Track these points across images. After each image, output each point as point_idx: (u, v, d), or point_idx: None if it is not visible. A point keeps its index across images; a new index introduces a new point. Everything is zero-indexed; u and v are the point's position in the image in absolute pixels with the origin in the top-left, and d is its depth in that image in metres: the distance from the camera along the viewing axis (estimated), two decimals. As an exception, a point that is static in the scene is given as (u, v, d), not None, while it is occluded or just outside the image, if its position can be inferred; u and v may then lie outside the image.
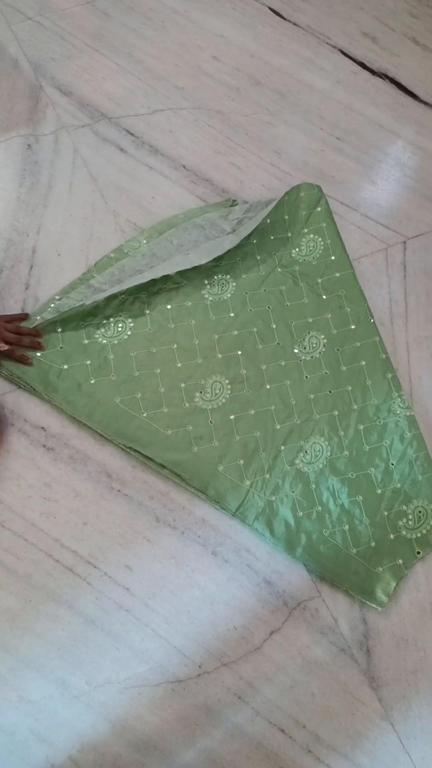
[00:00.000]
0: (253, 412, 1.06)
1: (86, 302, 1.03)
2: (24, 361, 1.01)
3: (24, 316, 1.05)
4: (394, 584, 0.98)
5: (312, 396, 1.08)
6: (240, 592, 0.96)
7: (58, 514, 0.96)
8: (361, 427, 1.07)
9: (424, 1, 1.63)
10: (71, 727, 0.86)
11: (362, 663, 0.95)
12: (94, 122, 1.27)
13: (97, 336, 1.06)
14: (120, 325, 1.07)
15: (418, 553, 1.00)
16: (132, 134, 1.28)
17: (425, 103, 1.47)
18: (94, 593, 0.93)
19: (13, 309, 1.07)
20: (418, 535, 1.01)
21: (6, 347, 0.98)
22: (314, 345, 1.12)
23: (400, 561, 0.99)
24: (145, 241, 1.16)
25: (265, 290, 1.15)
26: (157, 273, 1.07)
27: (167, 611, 0.93)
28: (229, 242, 1.13)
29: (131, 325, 1.08)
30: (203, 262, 1.09)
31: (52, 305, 1.07)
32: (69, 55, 1.34)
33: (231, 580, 0.97)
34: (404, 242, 1.28)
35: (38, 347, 1.02)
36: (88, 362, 1.04)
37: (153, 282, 1.09)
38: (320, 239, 1.19)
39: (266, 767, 0.88)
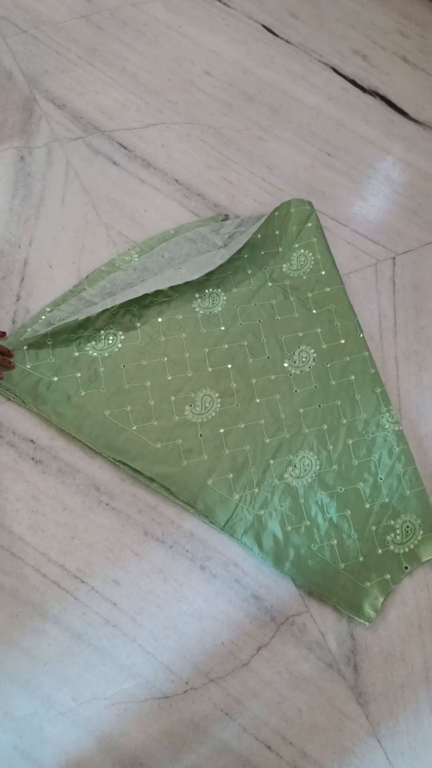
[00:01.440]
0: (242, 425, 1.06)
1: (79, 317, 1.04)
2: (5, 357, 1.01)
3: (1, 334, 1.05)
4: (381, 599, 0.98)
5: (301, 410, 1.09)
6: (228, 607, 0.96)
7: (46, 527, 0.96)
8: (350, 441, 1.08)
9: (414, 20, 1.66)
10: (57, 743, 0.85)
11: (350, 678, 0.95)
12: (87, 135, 1.28)
13: (87, 348, 1.06)
14: (110, 337, 1.08)
15: (406, 568, 1.01)
16: (125, 147, 1.29)
17: (415, 120, 1.49)
18: (81, 608, 0.92)
19: (4, 320, 1.07)
20: (406, 550, 1.02)
21: None
22: (304, 359, 1.12)
23: (388, 576, 1.00)
24: (136, 256, 1.16)
25: (255, 304, 1.15)
26: (149, 288, 1.07)
27: (155, 626, 0.93)
28: (220, 257, 1.14)
29: (122, 337, 1.08)
30: (195, 277, 1.09)
31: (43, 317, 1.07)
32: (63, 69, 1.35)
33: (219, 595, 0.96)
34: (394, 258, 1.29)
35: (8, 366, 1.02)
36: (78, 374, 1.04)
37: (144, 295, 1.09)
38: (311, 254, 1.20)
39: (253, 784, 0.87)
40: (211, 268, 1.11)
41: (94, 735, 0.86)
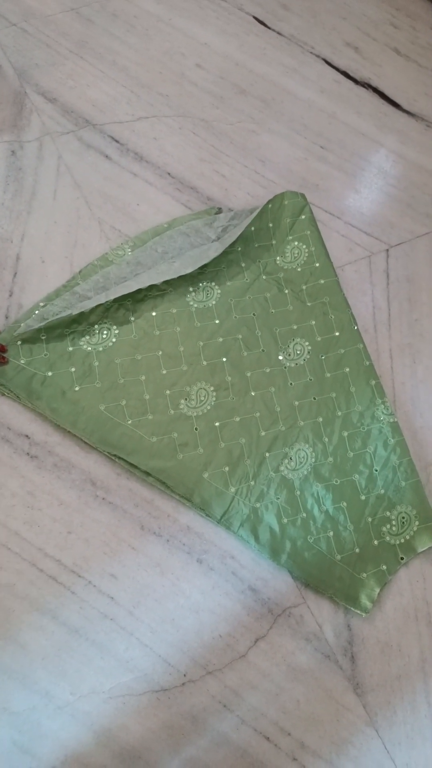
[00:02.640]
0: (238, 419, 1.06)
1: (73, 311, 1.03)
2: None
3: None
4: (378, 590, 0.98)
5: (297, 403, 1.09)
6: (225, 600, 0.96)
7: (42, 522, 0.96)
8: (345, 433, 1.08)
9: (405, 11, 1.65)
10: (55, 738, 0.85)
11: (347, 669, 0.95)
12: (79, 129, 1.27)
13: (81, 343, 1.05)
14: (105, 332, 1.07)
15: (402, 558, 1.01)
16: (116, 141, 1.28)
17: (407, 112, 1.49)
18: (78, 602, 0.92)
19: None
20: (402, 540, 1.02)
21: None
22: (299, 352, 1.12)
23: (384, 567, 1.00)
24: (129, 250, 1.16)
25: (249, 297, 1.15)
26: (142, 283, 1.07)
27: (152, 620, 0.93)
28: (213, 250, 1.13)
29: (116, 332, 1.08)
30: (188, 270, 1.09)
31: (36, 312, 1.07)
32: (53, 62, 1.34)
33: (216, 588, 0.96)
34: (387, 250, 1.29)
35: (2, 361, 1.01)
36: (73, 369, 1.03)
37: (138, 289, 1.09)
38: (304, 246, 1.20)
39: (251, 775, 0.88)
40: (205, 261, 1.11)
41: (92, 729, 0.86)
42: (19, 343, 1.03)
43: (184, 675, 0.91)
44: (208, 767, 0.87)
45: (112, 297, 1.05)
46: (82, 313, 1.06)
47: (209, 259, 1.12)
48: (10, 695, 0.86)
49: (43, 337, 1.04)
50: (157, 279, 1.08)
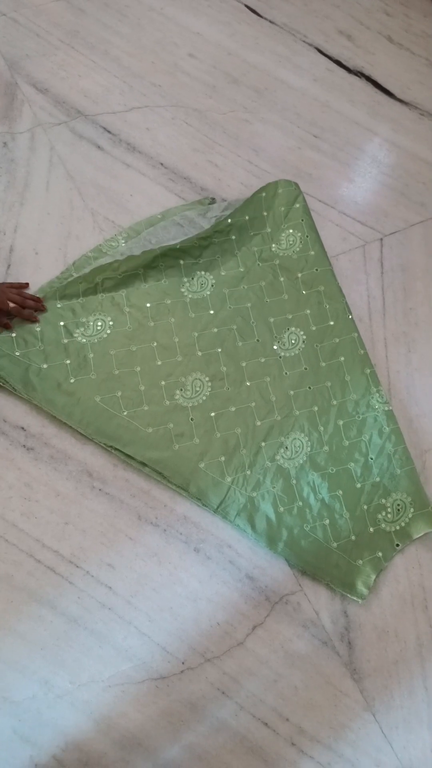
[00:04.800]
0: (233, 409, 1.06)
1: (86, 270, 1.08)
2: (31, 318, 1.03)
3: (26, 285, 1.08)
4: (374, 577, 0.99)
5: (292, 392, 1.09)
6: (222, 588, 0.97)
7: (39, 514, 0.96)
8: (341, 422, 1.08)
9: (399, -1, 1.65)
10: (55, 726, 0.86)
11: (344, 655, 0.96)
12: (71, 120, 1.26)
13: (76, 335, 1.05)
14: (99, 323, 1.07)
15: (398, 545, 1.02)
16: (109, 132, 1.27)
17: (400, 100, 1.49)
18: (76, 592, 0.93)
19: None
20: (397, 528, 1.03)
21: (12, 305, 1.01)
22: (293, 341, 1.13)
23: (380, 554, 1.01)
24: (123, 241, 1.16)
25: (244, 287, 1.15)
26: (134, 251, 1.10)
27: (150, 608, 0.94)
28: (202, 226, 1.16)
29: (110, 323, 1.08)
30: (177, 241, 1.11)
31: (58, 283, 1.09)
32: (44, 52, 1.33)
33: (213, 577, 0.97)
34: (381, 239, 1.29)
35: (42, 309, 1.05)
36: (68, 361, 1.03)
37: (132, 279, 1.09)
38: (299, 234, 1.20)
39: (251, 761, 0.89)
40: (191, 235, 1.13)
41: (92, 717, 0.87)
42: (13, 334, 1.03)
43: (183, 663, 0.92)
44: (207, 753, 0.88)
45: (107, 261, 1.10)
46: (74, 308, 1.06)
47: (196, 235, 1.14)
48: (10, 685, 0.87)
49: (38, 329, 1.04)
50: (142, 249, 1.12)
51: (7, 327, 1.02)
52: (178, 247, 1.11)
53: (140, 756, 0.87)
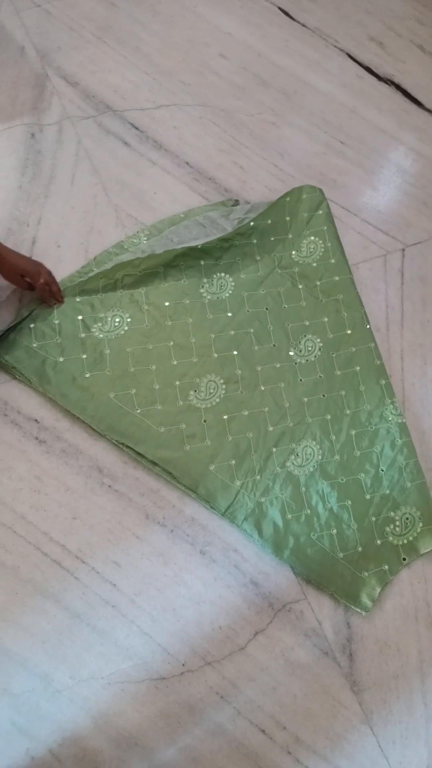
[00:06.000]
0: (246, 412, 1.06)
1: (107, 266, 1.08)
2: (50, 302, 1.05)
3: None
4: (379, 590, 0.99)
5: (305, 399, 1.09)
6: (226, 592, 0.96)
7: (48, 507, 0.96)
8: (353, 432, 1.08)
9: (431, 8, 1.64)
10: (53, 720, 0.86)
11: (345, 666, 0.96)
12: (99, 114, 1.26)
13: (93, 330, 1.05)
14: (117, 319, 1.07)
15: (404, 559, 1.01)
16: (136, 128, 1.27)
17: (429, 110, 1.48)
18: (81, 588, 0.93)
19: (11, 299, 1.07)
20: (405, 541, 1.02)
21: (42, 281, 1.01)
22: (310, 348, 1.12)
23: (386, 567, 1.00)
24: (145, 239, 1.15)
25: (263, 291, 1.15)
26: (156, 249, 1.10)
27: (153, 608, 0.94)
28: (223, 229, 1.15)
29: (128, 320, 1.08)
30: (197, 243, 1.11)
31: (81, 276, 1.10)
32: (76, 45, 1.33)
33: (218, 580, 0.97)
34: (403, 249, 1.29)
35: (60, 301, 1.06)
36: (84, 356, 1.03)
37: (151, 277, 1.09)
38: (321, 242, 1.20)
39: (246, 767, 0.88)
40: (213, 237, 1.12)
41: (90, 713, 0.87)
42: (31, 326, 1.03)
43: (183, 665, 0.91)
44: (203, 757, 0.88)
45: (128, 259, 1.09)
46: (93, 303, 1.06)
47: (215, 236, 1.12)
48: (10, 677, 0.87)
49: (56, 322, 1.04)
50: (164, 248, 1.10)
51: (30, 289, 1.03)
52: (199, 247, 1.11)
53: (136, 755, 0.87)
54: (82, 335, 1.05)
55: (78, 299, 1.06)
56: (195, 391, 1.06)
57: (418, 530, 1.03)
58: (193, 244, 1.13)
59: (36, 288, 1.01)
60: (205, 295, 1.12)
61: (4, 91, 1.24)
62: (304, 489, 1.03)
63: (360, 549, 1.01)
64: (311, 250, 1.19)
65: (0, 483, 0.96)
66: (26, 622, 0.90)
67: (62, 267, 1.11)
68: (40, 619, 0.90)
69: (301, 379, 1.10)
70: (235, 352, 1.10)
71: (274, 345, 1.11)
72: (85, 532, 0.96)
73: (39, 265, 1.01)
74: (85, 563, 0.94)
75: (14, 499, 0.95)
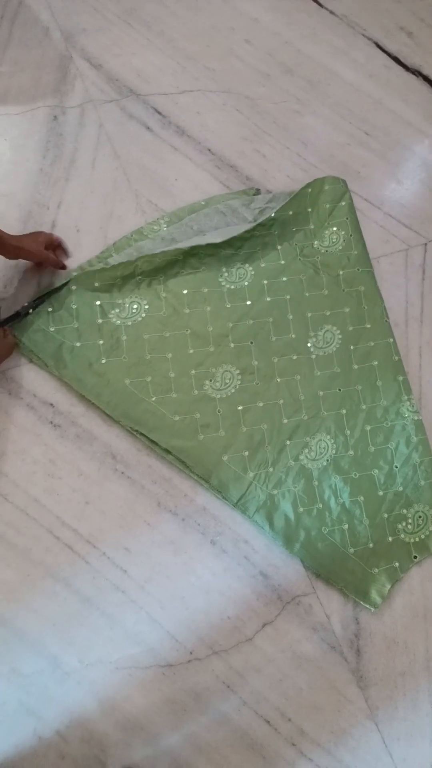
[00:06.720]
0: (261, 404, 1.05)
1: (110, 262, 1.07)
2: (60, 265, 1.06)
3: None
4: (389, 586, 0.98)
5: (321, 393, 1.08)
6: (236, 583, 0.96)
7: (61, 491, 0.96)
8: (368, 427, 1.07)
9: (464, -2, 1.60)
10: (61, 702, 0.87)
11: (352, 662, 0.95)
12: (122, 98, 1.25)
13: (111, 316, 1.05)
14: (135, 306, 1.07)
15: (415, 557, 1.01)
16: (159, 113, 1.26)
17: (457, 104, 1.45)
18: (91, 572, 0.93)
19: (30, 282, 1.06)
20: (417, 539, 1.02)
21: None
22: (329, 340, 1.11)
23: (397, 564, 1.00)
24: (165, 225, 1.14)
25: (285, 279, 1.13)
26: (171, 248, 1.07)
27: (162, 596, 0.94)
28: (245, 225, 1.12)
29: (146, 307, 1.07)
30: (217, 240, 1.09)
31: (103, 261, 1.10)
32: (100, 27, 1.31)
33: (228, 570, 0.97)
34: (425, 244, 1.27)
35: (63, 267, 1.07)
36: (101, 342, 1.03)
37: (171, 265, 1.08)
38: (343, 233, 1.18)
39: (249, 757, 0.89)
40: (234, 234, 1.10)
41: (97, 697, 0.88)
42: (49, 309, 1.03)
43: (191, 653, 0.92)
44: (207, 745, 0.88)
45: (144, 254, 1.07)
46: (113, 285, 1.05)
47: (238, 232, 1.11)
48: (19, 657, 0.88)
49: (74, 307, 1.04)
50: (185, 245, 1.08)
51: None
52: (219, 243, 1.10)
53: (141, 740, 0.87)
54: (100, 321, 1.04)
55: (97, 283, 1.05)
56: (210, 380, 1.05)
57: (431, 528, 1.02)
58: (213, 233, 1.12)
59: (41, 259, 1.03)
60: (224, 284, 1.12)
61: (28, 72, 1.23)
62: (316, 483, 1.02)
63: (371, 545, 1.00)
64: (333, 240, 1.18)
65: (14, 466, 0.96)
66: (37, 604, 0.90)
67: (81, 251, 1.10)
68: (51, 601, 0.91)
69: (317, 373, 1.09)
70: (251, 343, 1.09)
71: (292, 336, 1.10)
72: (97, 518, 0.96)
73: (38, 235, 1.03)
74: (96, 548, 0.94)
75: (28, 482, 0.96)
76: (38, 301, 1.03)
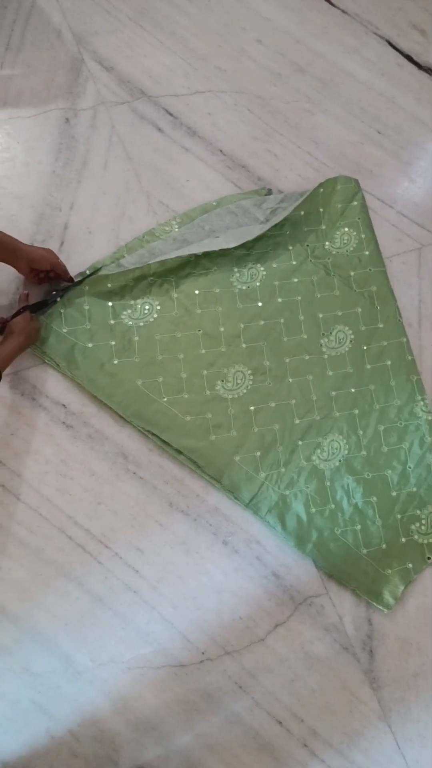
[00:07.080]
0: (273, 404, 1.05)
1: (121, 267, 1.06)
2: (68, 277, 1.04)
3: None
4: (402, 588, 0.98)
5: (333, 393, 1.07)
6: (247, 583, 0.96)
7: (73, 491, 0.97)
8: (381, 427, 1.06)
9: None
10: (73, 701, 0.87)
11: (364, 663, 0.95)
12: (134, 100, 1.25)
13: (123, 317, 1.05)
14: (147, 307, 1.07)
15: (429, 558, 1.00)
16: (170, 114, 1.26)
17: (470, 101, 1.44)
18: (103, 572, 0.93)
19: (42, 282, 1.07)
20: (430, 540, 1.01)
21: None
22: (341, 340, 1.11)
23: (410, 565, 0.99)
24: (176, 226, 1.15)
25: (296, 280, 1.13)
26: (184, 252, 1.07)
27: (174, 596, 0.94)
28: (258, 229, 1.12)
29: (158, 307, 1.07)
30: (231, 246, 1.08)
31: (114, 261, 1.10)
32: (112, 29, 1.32)
33: (239, 571, 0.97)
34: (438, 243, 1.26)
35: (71, 279, 1.06)
36: (113, 342, 1.04)
37: (182, 266, 1.08)
38: (355, 233, 1.18)
39: (261, 757, 0.89)
40: (248, 238, 1.10)
41: (109, 696, 0.88)
42: (62, 310, 1.03)
43: (203, 653, 0.92)
44: (219, 745, 0.88)
45: (155, 260, 1.06)
46: (125, 286, 1.06)
47: (252, 236, 1.10)
48: (32, 656, 0.88)
49: (86, 308, 1.04)
50: (199, 250, 1.08)
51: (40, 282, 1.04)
52: (231, 247, 1.09)
53: (153, 740, 0.88)
54: (112, 322, 1.05)
55: (109, 285, 1.06)
56: (222, 381, 1.05)
57: (444, 529, 1.02)
58: (224, 234, 1.11)
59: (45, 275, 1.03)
60: (235, 284, 1.11)
61: (40, 74, 1.23)
62: (329, 483, 1.02)
63: (384, 546, 1.00)
64: (345, 241, 1.17)
65: (27, 466, 0.97)
66: (49, 603, 0.91)
67: (93, 252, 1.11)
68: (63, 601, 0.91)
69: (330, 373, 1.09)
70: (263, 343, 1.09)
71: (304, 336, 1.10)
72: (109, 518, 0.96)
73: (47, 252, 1.01)
74: (108, 548, 0.95)
75: (40, 481, 0.96)
76: (64, 291, 1.04)
